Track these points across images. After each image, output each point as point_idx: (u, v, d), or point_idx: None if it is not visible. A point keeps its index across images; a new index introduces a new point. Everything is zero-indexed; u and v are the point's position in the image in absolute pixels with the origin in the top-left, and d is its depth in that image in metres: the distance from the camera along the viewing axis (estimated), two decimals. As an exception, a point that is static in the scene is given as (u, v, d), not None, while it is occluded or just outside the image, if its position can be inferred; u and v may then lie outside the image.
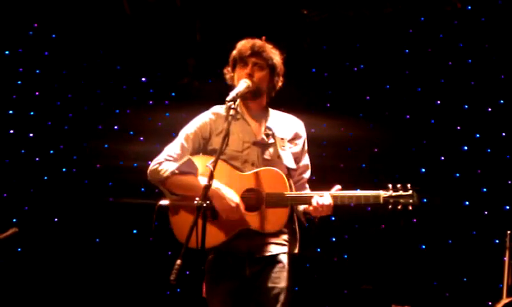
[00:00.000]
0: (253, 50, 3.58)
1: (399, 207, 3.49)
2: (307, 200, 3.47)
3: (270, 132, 3.62)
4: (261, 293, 3.48)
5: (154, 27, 6.63)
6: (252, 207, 3.46)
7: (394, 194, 3.47)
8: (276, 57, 3.64)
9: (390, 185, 3.49)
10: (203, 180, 3.39)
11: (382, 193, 3.47)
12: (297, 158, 3.64)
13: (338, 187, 3.52)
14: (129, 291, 6.31)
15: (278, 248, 3.53)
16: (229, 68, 3.69)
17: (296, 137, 3.67)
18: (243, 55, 3.59)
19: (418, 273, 6.17)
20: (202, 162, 3.52)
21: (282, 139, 3.60)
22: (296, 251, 3.61)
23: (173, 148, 3.61)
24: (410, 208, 3.50)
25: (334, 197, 3.45)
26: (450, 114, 6.35)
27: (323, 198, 3.43)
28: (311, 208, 3.46)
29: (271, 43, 3.68)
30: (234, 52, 3.66)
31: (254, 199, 3.47)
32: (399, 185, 3.49)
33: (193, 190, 3.41)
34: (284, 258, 3.53)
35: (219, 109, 3.67)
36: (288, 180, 3.49)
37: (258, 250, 3.51)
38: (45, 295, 6.17)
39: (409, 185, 3.50)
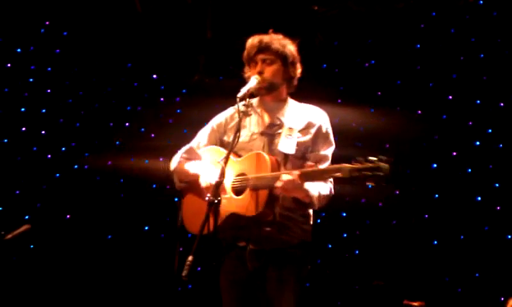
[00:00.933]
0: (259, 47, 3.58)
1: (371, 183, 3.10)
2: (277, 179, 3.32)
3: (278, 122, 3.61)
4: (266, 296, 3.48)
5: (165, 24, 6.65)
6: (239, 191, 3.45)
7: (362, 166, 3.11)
8: (287, 46, 3.60)
9: (362, 158, 3.14)
10: (193, 166, 3.56)
11: (347, 166, 3.15)
12: (308, 147, 3.57)
13: (310, 163, 3.43)
14: (141, 288, 6.33)
15: (279, 243, 3.50)
16: (246, 68, 3.69)
17: (308, 126, 3.59)
18: (251, 55, 3.60)
19: (430, 269, 6.15)
20: (215, 152, 3.60)
21: (290, 128, 3.54)
22: (295, 240, 3.51)
23: (190, 144, 3.72)
24: (382, 183, 3.08)
25: (300, 174, 3.29)
26: (462, 109, 6.32)
27: (285, 174, 3.30)
28: (278, 184, 3.30)
29: (280, 33, 3.65)
30: (244, 52, 3.66)
31: (241, 183, 3.46)
32: (372, 158, 3.11)
33: (190, 176, 3.57)
34: (285, 255, 3.49)
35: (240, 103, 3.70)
36: (274, 161, 3.41)
37: (256, 242, 3.50)
38: (58, 292, 6.21)
39: (383, 157, 3.10)
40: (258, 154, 3.47)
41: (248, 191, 3.41)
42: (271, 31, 3.66)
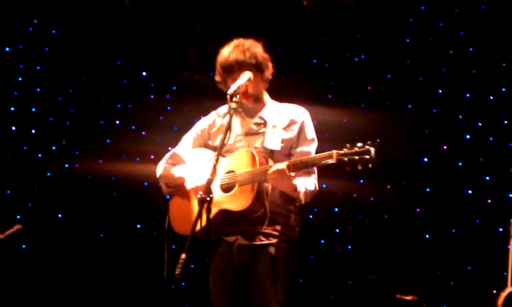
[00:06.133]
0: (237, 66, 3.56)
1: (359, 167, 3.20)
2: (266, 172, 3.37)
3: (261, 121, 3.64)
4: (254, 292, 3.50)
5: (154, 20, 6.62)
6: (229, 188, 3.48)
7: (348, 151, 3.21)
8: (257, 53, 3.61)
9: (348, 145, 3.25)
10: (178, 171, 3.65)
11: (335, 152, 3.24)
12: (292, 144, 3.60)
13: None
14: (134, 287, 6.32)
15: (267, 238, 3.51)
16: (219, 78, 3.67)
17: (291, 123, 3.63)
18: (230, 72, 3.58)
19: (422, 263, 6.17)
20: (202, 153, 3.69)
21: (274, 126, 3.59)
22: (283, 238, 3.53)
23: (174, 149, 3.78)
24: (370, 166, 3.19)
25: (289, 164, 3.34)
26: (451, 103, 6.34)
27: (276, 165, 3.35)
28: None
29: (246, 38, 3.65)
30: (218, 67, 3.64)
31: (230, 180, 3.49)
32: (359, 144, 3.21)
33: (176, 181, 3.66)
34: (273, 250, 3.50)
35: (222, 108, 3.76)
36: (262, 157, 3.45)
37: (245, 237, 3.52)
38: (50, 292, 6.19)
39: (369, 142, 3.20)
40: (247, 151, 3.51)
41: (237, 187, 3.45)
42: (237, 40, 3.65)
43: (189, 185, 3.58)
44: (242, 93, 3.52)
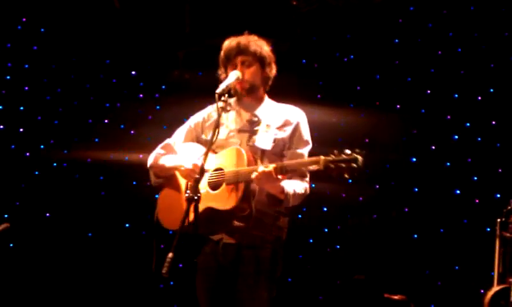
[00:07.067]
0: (238, 49, 3.58)
1: (346, 176, 3.15)
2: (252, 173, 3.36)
3: (256, 119, 3.62)
4: (238, 292, 3.48)
5: (143, 20, 6.62)
6: (216, 186, 3.45)
7: (336, 158, 3.16)
8: (263, 47, 3.62)
9: (336, 151, 3.20)
10: (169, 160, 3.59)
11: (322, 158, 3.20)
12: (285, 144, 3.59)
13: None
14: (122, 286, 6.31)
15: (253, 239, 3.49)
16: (222, 69, 3.68)
17: (285, 123, 3.61)
18: (230, 56, 3.60)
19: (410, 262, 6.19)
20: (193, 148, 3.64)
21: (268, 125, 3.57)
22: (270, 236, 3.51)
23: (167, 140, 3.72)
24: (356, 174, 3.14)
25: (276, 167, 3.31)
26: (440, 104, 6.37)
27: (261, 166, 3.34)
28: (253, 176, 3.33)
29: (255, 34, 3.66)
30: (221, 54, 3.65)
31: (218, 177, 3.46)
32: (347, 151, 3.17)
33: (166, 170, 3.61)
34: (258, 251, 3.48)
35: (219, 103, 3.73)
36: (251, 156, 3.43)
37: (231, 237, 3.51)
38: (38, 291, 6.17)
39: (357, 150, 3.16)
40: (236, 149, 3.48)
41: (224, 186, 3.42)
42: (246, 32, 3.67)
43: (184, 171, 3.50)
44: (237, 79, 3.53)
